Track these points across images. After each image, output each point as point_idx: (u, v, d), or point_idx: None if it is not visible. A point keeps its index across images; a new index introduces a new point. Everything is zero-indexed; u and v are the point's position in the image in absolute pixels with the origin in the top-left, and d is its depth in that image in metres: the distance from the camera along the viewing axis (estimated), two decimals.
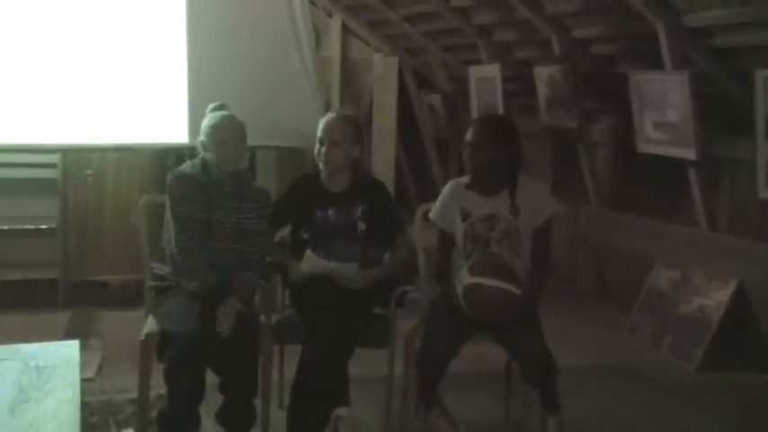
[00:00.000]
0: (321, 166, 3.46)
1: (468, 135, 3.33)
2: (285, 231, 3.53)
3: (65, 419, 1.77)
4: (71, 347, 2.15)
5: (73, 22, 5.20)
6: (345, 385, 3.30)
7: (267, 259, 3.43)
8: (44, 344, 2.24)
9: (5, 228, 5.37)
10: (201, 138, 3.36)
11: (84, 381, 3.92)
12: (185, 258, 3.21)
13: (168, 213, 3.30)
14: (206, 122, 3.37)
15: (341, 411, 3.43)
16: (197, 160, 3.38)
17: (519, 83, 6.32)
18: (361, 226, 3.44)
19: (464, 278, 3.12)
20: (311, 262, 3.37)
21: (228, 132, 3.31)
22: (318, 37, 6.97)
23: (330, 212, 3.44)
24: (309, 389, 3.17)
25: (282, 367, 3.61)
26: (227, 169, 3.31)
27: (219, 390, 3.26)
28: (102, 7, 5.21)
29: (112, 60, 5.29)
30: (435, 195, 3.55)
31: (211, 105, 3.44)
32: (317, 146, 3.44)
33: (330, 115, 3.51)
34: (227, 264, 3.28)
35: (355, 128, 3.49)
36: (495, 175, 3.30)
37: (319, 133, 3.43)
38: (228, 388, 3.24)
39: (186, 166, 3.38)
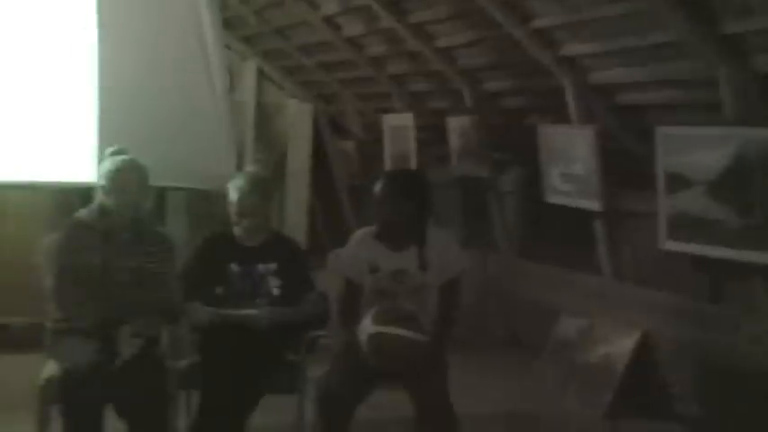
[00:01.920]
0: (240, 233, 3.46)
1: (376, 189, 3.32)
2: None
3: None
4: None
5: None
6: None
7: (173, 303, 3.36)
8: None
9: None
10: (101, 182, 3.31)
11: None
12: (63, 307, 3.21)
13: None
14: (105, 166, 3.34)
15: None
16: (94, 205, 3.36)
17: (432, 132, 6.42)
18: (275, 282, 3.44)
19: (367, 327, 3.10)
20: (209, 313, 3.33)
21: (128, 177, 3.28)
22: (233, 80, 6.95)
23: (245, 266, 3.44)
24: None
25: (190, 413, 3.51)
26: (126, 215, 3.27)
27: None
28: (6, 35, 5.05)
29: (17, 93, 5.13)
30: (347, 242, 3.54)
31: (109, 149, 3.42)
32: (234, 215, 3.45)
33: (240, 182, 3.48)
34: (130, 308, 3.21)
35: (267, 191, 3.58)
36: (402, 230, 3.30)
37: (235, 202, 3.44)
38: None
39: (83, 213, 3.36)
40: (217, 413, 3.11)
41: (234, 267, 3.43)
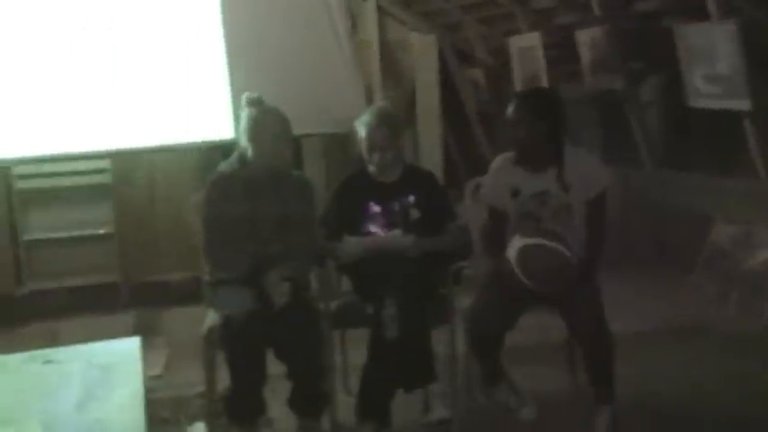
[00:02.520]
0: (374, 169, 3.46)
1: (508, 112, 3.26)
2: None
3: (130, 414, 1.79)
4: (132, 344, 2.18)
5: (109, 24, 5.24)
6: (430, 361, 3.25)
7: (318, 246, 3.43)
8: (105, 342, 2.27)
9: (64, 235, 5.47)
10: (241, 133, 3.36)
11: (152, 378, 4.04)
12: (214, 260, 3.32)
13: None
14: (244, 117, 3.36)
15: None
16: (234, 157, 3.38)
17: (561, 49, 6.21)
18: (414, 214, 3.44)
19: (516, 242, 3.08)
20: (359, 243, 3.36)
21: (266, 127, 3.29)
22: (354, 21, 6.94)
23: (384, 203, 3.45)
24: (386, 370, 3.16)
25: (345, 352, 3.61)
26: (267, 163, 3.30)
27: (287, 377, 3.27)
28: (136, 6, 5.23)
29: (151, 60, 5.31)
30: (484, 170, 3.50)
31: (246, 96, 3.41)
32: (365, 151, 3.45)
33: (368, 118, 3.47)
34: (277, 255, 3.28)
35: (395, 123, 3.51)
36: (539, 151, 3.23)
37: (364, 138, 3.43)
38: (294, 374, 3.25)
39: (224, 166, 3.40)
40: (397, 344, 3.13)
41: (373, 205, 3.46)
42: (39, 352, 2.21)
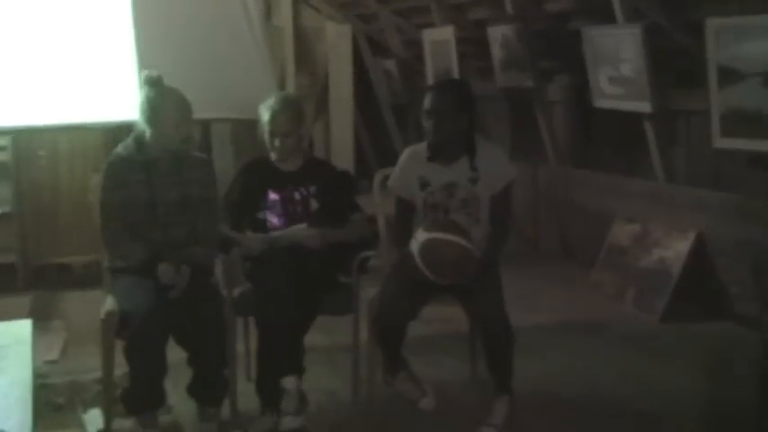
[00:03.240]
0: (275, 155, 3.45)
1: (426, 102, 3.28)
2: None
3: (16, 398, 1.73)
4: (23, 327, 2.11)
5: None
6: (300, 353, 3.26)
7: (221, 231, 3.38)
8: None
9: None
10: (139, 113, 3.24)
11: (48, 362, 3.93)
12: (110, 248, 3.23)
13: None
14: (143, 97, 3.24)
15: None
16: (129, 140, 3.27)
17: (473, 45, 6.29)
18: (314, 204, 3.45)
19: (420, 235, 3.11)
20: (263, 239, 3.36)
21: (165, 109, 3.19)
22: (269, 7, 6.88)
23: (284, 192, 3.44)
24: (276, 357, 3.16)
25: (248, 340, 3.59)
26: (168, 147, 3.21)
27: (188, 363, 3.23)
28: None
29: (58, 37, 5.16)
30: (394, 161, 3.52)
31: (145, 74, 3.29)
32: (267, 136, 3.43)
33: (272, 103, 3.44)
34: (179, 239, 3.23)
35: (299, 111, 3.49)
36: (453, 143, 3.27)
37: (267, 123, 3.41)
38: (195, 361, 3.22)
39: (121, 148, 3.28)
40: (276, 337, 3.14)
41: (272, 193, 3.44)
42: None
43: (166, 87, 3.26)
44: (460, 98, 3.28)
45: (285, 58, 7.02)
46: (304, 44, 7.30)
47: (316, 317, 3.25)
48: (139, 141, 3.25)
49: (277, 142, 3.40)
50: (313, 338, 3.29)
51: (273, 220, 3.44)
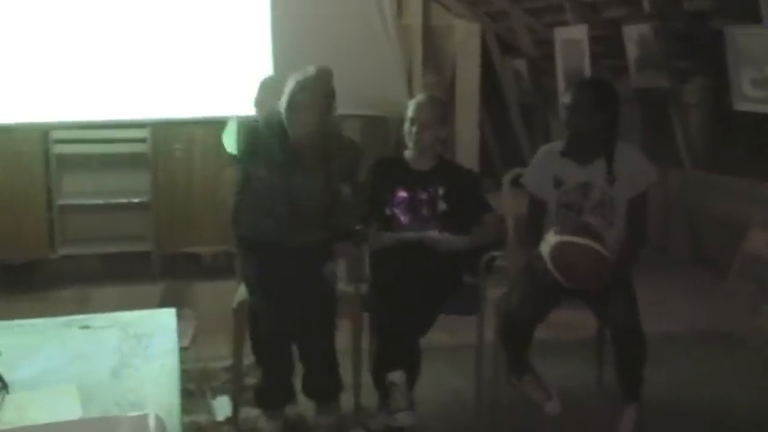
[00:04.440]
0: (410, 145, 3.46)
1: (567, 98, 3.24)
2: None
3: (164, 384, 1.80)
4: (168, 315, 2.19)
5: None
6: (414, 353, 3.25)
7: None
8: (142, 312, 2.29)
9: (100, 202, 5.52)
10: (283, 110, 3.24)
11: (179, 349, 4.06)
12: (235, 215, 3.29)
13: None
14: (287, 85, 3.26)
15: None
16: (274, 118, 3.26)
17: (607, 44, 6.14)
18: (442, 206, 3.43)
19: (551, 239, 3.06)
20: (393, 238, 3.36)
21: (301, 97, 3.18)
22: (400, 5, 6.91)
23: (412, 190, 3.44)
24: (387, 354, 3.16)
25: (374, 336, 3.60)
26: (296, 134, 3.19)
27: (299, 360, 3.26)
28: None
29: (197, 33, 5.35)
30: (521, 162, 3.49)
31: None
32: (407, 125, 3.45)
33: (420, 96, 3.53)
34: (314, 223, 3.22)
35: (443, 109, 3.52)
36: (591, 142, 3.21)
37: (410, 114, 3.45)
38: (306, 358, 3.25)
39: (263, 123, 3.31)
40: (392, 336, 3.15)
41: (401, 190, 3.44)
42: (76, 317, 2.23)
43: (307, 77, 3.23)
44: (601, 96, 3.23)
45: (414, 56, 7.03)
46: (432, 42, 7.30)
47: (436, 318, 3.23)
48: (281, 126, 3.22)
49: (414, 130, 3.41)
50: (438, 337, 3.30)
51: (401, 218, 3.44)
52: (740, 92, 4.87)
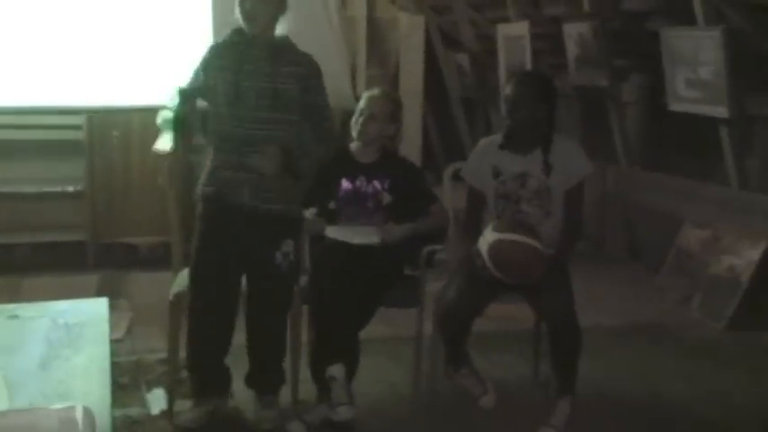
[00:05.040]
0: (354, 135, 3.46)
1: (508, 90, 3.28)
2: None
3: (95, 375, 1.77)
4: (99, 305, 2.15)
5: None
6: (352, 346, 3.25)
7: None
8: (72, 301, 2.25)
9: (33, 190, 5.39)
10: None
11: (113, 341, 3.96)
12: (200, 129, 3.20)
13: None
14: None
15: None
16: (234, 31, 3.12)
17: (548, 41, 6.22)
18: (387, 198, 3.44)
19: (489, 236, 3.09)
20: (332, 231, 3.37)
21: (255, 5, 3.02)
22: None
23: (357, 182, 3.44)
24: (326, 348, 3.17)
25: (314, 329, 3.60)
26: (252, 32, 3.04)
27: (247, 350, 3.24)
28: None
29: (136, 20, 5.26)
30: (462, 155, 3.52)
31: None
32: (355, 115, 3.45)
33: (374, 90, 3.53)
34: (259, 134, 3.03)
35: (396, 107, 3.51)
36: (531, 133, 3.25)
37: (360, 105, 3.46)
38: (254, 348, 3.23)
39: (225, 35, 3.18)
40: (329, 327, 3.15)
41: (345, 182, 3.44)
42: (4, 306, 2.18)
43: None
44: (541, 89, 3.27)
45: (357, 48, 7.02)
46: (377, 35, 7.29)
47: (376, 311, 3.24)
48: (239, 28, 3.08)
49: (361, 121, 3.42)
50: (376, 329, 3.30)
51: (345, 211, 3.43)
52: (675, 92, 4.97)
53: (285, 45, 3.13)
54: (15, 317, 2.12)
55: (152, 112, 5.29)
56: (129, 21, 5.28)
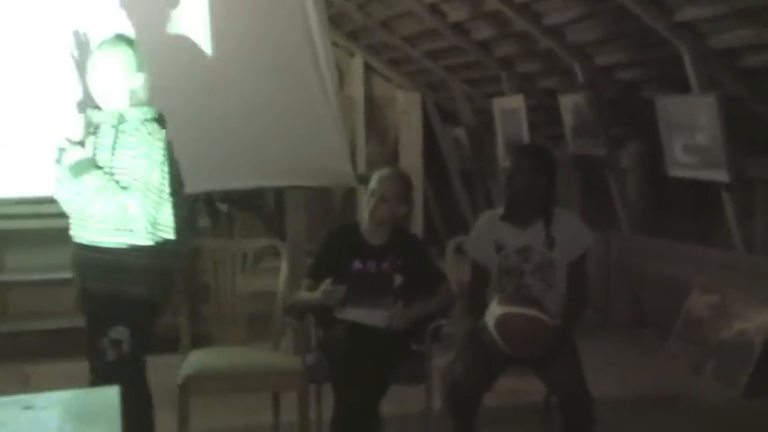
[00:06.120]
0: (366, 216, 3.46)
1: (507, 162, 3.31)
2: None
3: None
4: (111, 393, 2.14)
5: None
6: (379, 424, 3.25)
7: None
8: (83, 390, 2.23)
9: (39, 278, 5.40)
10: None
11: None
12: None
13: None
14: None
15: None
16: None
17: (544, 113, 6.31)
18: (398, 279, 3.43)
19: (495, 310, 3.09)
20: (342, 312, 3.37)
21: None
22: (341, 76, 7.02)
23: (367, 264, 3.43)
24: (349, 425, 3.14)
25: (320, 408, 3.57)
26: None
27: None
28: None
29: None
30: (463, 229, 3.54)
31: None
32: (366, 196, 3.46)
33: (384, 170, 3.53)
34: None
35: (406, 187, 3.52)
36: (531, 205, 3.27)
37: (371, 185, 3.46)
38: None
39: None
40: (349, 407, 3.13)
41: (357, 263, 3.43)
42: (18, 397, 2.16)
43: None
44: (540, 160, 3.31)
45: (356, 127, 7.13)
46: (375, 112, 7.42)
47: (389, 385, 3.22)
48: None
49: (372, 203, 3.42)
50: (384, 408, 3.27)
51: (354, 294, 3.39)
52: (673, 158, 5.02)
53: None
54: (29, 408, 2.10)
55: None
56: None
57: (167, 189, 2.91)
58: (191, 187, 3.24)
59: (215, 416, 3.78)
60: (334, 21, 6.80)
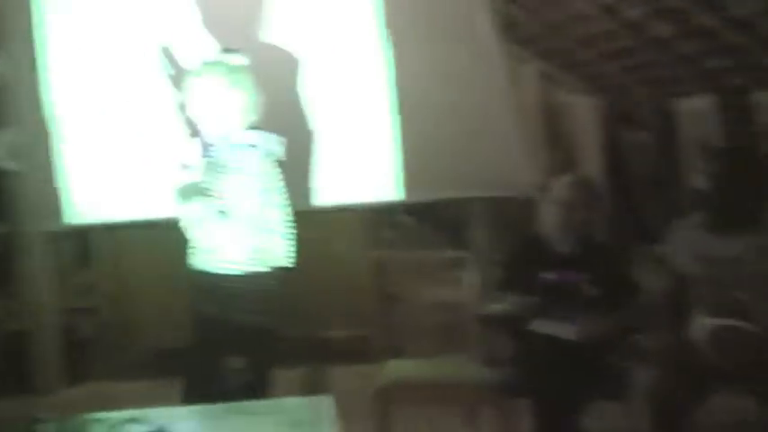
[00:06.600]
0: (552, 225, 3.42)
1: (711, 168, 3.18)
2: None
3: None
4: (325, 402, 2.20)
5: None
6: None
7: None
8: (299, 399, 2.30)
9: None
10: None
11: None
12: None
13: None
14: None
15: None
16: None
17: (733, 112, 5.99)
18: (588, 290, 3.33)
19: (706, 322, 2.94)
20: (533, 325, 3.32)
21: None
22: (515, 84, 6.95)
23: (556, 274, 3.36)
24: None
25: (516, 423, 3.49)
26: None
27: None
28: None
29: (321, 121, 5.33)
30: (650, 238, 3.39)
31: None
32: (551, 205, 3.42)
33: (566, 177, 3.49)
34: None
35: (590, 191, 3.45)
36: (736, 214, 3.11)
37: (555, 193, 3.41)
38: None
39: None
40: (550, 422, 3.09)
41: (545, 275, 3.37)
42: (242, 403, 2.26)
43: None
44: (749, 163, 3.23)
45: (533, 135, 7.03)
46: (550, 120, 7.30)
47: (589, 401, 3.14)
48: None
49: (555, 210, 3.37)
50: (583, 424, 3.18)
51: (544, 305, 3.36)
52: None
53: None
54: (252, 414, 2.18)
55: (346, 210, 5.32)
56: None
57: (277, 215, 2.91)
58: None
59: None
60: (505, 28, 6.74)
